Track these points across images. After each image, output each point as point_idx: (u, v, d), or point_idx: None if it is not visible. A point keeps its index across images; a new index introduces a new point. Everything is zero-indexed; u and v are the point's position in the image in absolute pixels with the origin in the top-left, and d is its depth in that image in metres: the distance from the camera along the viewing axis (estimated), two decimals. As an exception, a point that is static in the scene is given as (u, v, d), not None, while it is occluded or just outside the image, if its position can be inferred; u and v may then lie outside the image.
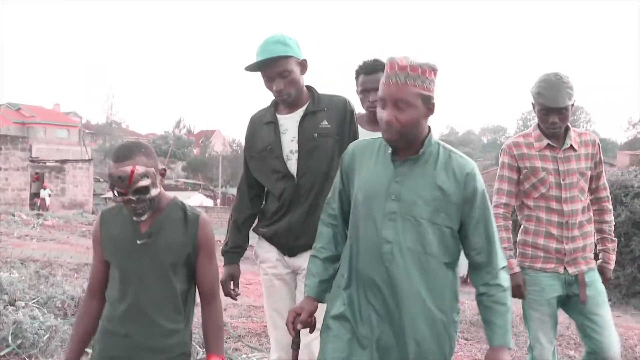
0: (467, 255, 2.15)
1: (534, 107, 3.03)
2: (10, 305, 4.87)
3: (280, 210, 2.78)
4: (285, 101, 2.75)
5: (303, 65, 2.75)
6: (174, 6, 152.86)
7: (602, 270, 3.14)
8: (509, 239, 3.05)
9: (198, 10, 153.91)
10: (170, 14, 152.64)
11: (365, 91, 3.18)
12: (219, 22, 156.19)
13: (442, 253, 2.08)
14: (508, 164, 3.09)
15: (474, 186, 2.07)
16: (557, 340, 5.63)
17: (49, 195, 28.31)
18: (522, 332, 5.91)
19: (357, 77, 3.23)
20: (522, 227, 3.13)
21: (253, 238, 2.96)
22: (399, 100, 1.99)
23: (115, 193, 2.09)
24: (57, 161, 31.88)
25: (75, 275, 7.33)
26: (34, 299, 5.29)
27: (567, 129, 3.03)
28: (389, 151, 2.11)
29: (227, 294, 2.86)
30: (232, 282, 2.88)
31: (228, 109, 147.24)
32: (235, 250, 2.90)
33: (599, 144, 3.12)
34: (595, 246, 3.17)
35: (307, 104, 2.78)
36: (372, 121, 3.16)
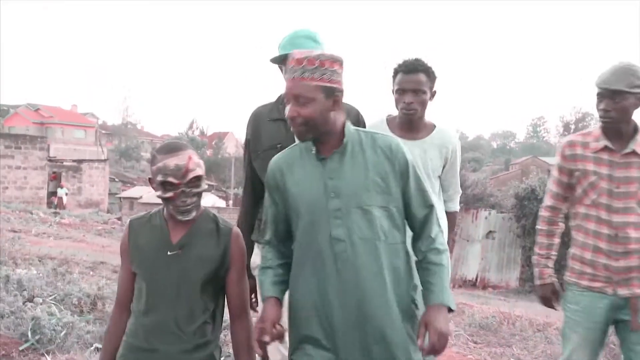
0: (409, 225, 2.08)
1: None
2: (29, 302, 4.93)
3: None
4: None
5: None
6: (190, 8, 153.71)
7: None
8: (549, 246, 2.80)
9: (213, 13, 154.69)
10: (185, 17, 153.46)
11: (401, 91, 2.82)
12: (233, 25, 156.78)
13: (394, 234, 2.00)
14: (559, 165, 2.76)
15: (404, 158, 2.02)
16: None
17: (66, 194, 28.50)
18: (530, 337, 5.88)
19: (394, 76, 2.89)
20: (572, 238, 2.78)
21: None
22: (298, 95, 1.92)
23: (165, 188, 1.98)
24: (74, 161, 32.13)
25: (91, 273, 7.39)
26: (51, 295, 5.34)
27: (636, 130, 2.62)
28: (313, 152, 2.02)
29: (250, 307, 2.67)
30: (253, 294, 2.67)
31: (241, 111, 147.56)
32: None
33: None
34: None
35: None
36: (405, 127, 2.88)
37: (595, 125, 2.77)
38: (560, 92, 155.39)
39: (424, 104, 2.82)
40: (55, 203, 27.47)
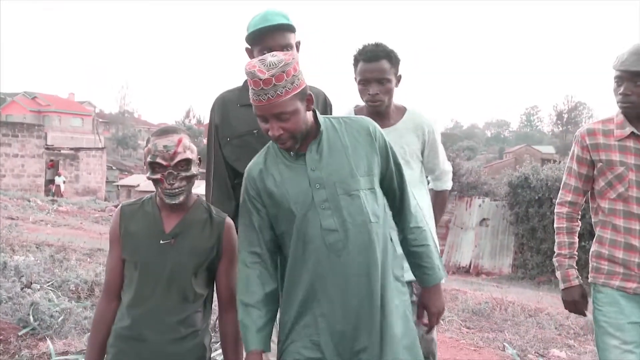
0: (388, 202, 2.05)
1: None
2: (27, 288, 4.93)
3: None
4: None
5: (297, 46, 2.54)
6: (186, 0, 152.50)
7: None
8: (571, 245, 2.50)
9: (210, 2, 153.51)
10: (182, 8, 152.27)
11: (364, 82, 2.63)
12: (230, 14, 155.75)
13: (381, 214, 1.98)
14: (577, 156, 2.47)
15: (382, 137, 2.00)
16: (556, 329, 5.66)
17: (64, 182, 28.43)
18: (522, 322, 5.91)
19: (355, 64, 2.67)
20: (596, 235, 2.49)
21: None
22: (279, 113, 1.84)
23: (153, 169, 1.95)
24: (71, 149, 32.01)
25: (88, 259, 7.38)
26: (49, 282, 5.34)
27: None
28: (292, 153, 1.96)
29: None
30: None
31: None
32: None
33: None
34: None
35: None
36: (374, 116, 2.61)
37: (587, 115, 2.64)
38: (554, 81, 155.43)
39: (389, 92, 2.65)
40: (53, 191, 27.41)
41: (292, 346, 1.94)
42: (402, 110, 2.76)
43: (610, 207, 2.39)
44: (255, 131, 2.44)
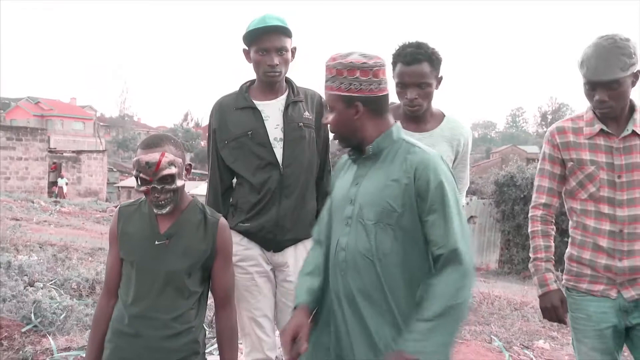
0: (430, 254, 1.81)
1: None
2: (30, 286, 4.93)
3: (262, 202, 2.47)
4: (272, 80, 2.47)
5: (293, 52, 2.52)
6: (186, 2, 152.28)
7: None
8: (547, 248, 2.30)
9: (209, 6, 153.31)
10: (182, 11, 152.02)
11: (402, 85, 2.41)
12: (229, 18, 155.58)
13: (396, 254, 1.77)
14: (549, 156, 2.32)
15: (427, 178, 1.76)
16: (541, 322, 5.68)
17: (66, 184, 28.30)
18: (507, 315, 5.93)
19: (393, 66, 2.44)
20: (570, 237, 2.34)
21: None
22: (327, 103, 1.87)
23: (139, 182, 1.93)
24: (73, 152, 31.87)
25: (90, 258, 7.35)
26: (51, 280, 5.34)
27: (632, 109, 2.20)
28: (352, 155, 1.94)
29: None
30: None
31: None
32: None
33: None
34: None
35: (287, 93, 2.53)
36: (410, 119, 2.47)
37: (571, 115, 2.35)
38: (538, 83, 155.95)
39: (429, 96, 2.43)
40: (56, 192, 27.27)
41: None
42: (439, 117, 2.56)
43: (582, 208, 2.25)
44: (249, 132, 2.45)
